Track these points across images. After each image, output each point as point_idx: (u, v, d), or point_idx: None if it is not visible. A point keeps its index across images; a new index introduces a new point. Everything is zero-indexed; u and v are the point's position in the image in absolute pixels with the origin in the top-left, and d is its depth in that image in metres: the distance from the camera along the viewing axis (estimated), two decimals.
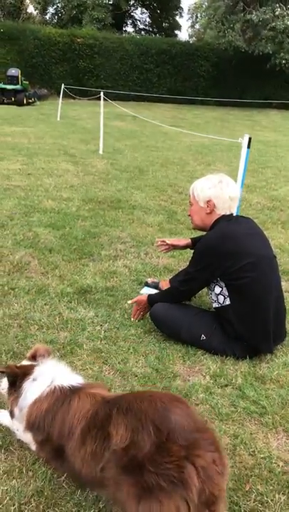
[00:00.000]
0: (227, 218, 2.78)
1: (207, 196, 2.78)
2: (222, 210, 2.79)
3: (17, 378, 1.90)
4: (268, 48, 23.06)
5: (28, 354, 2.05)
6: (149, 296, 3.02)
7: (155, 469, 1.28)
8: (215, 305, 2.78)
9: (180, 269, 3.56)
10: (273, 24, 22.06)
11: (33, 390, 1.82)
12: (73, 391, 1.75)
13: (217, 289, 2.72)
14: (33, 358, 2.00)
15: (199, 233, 3.47)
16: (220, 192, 2.76)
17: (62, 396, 1.74)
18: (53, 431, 1.70)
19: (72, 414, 1.66)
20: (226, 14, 24.70)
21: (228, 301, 2.68)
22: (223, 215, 2.79)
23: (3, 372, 1.93)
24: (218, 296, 2.72)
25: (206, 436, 1.36)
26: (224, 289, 2.68)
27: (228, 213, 2.80)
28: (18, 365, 1.99)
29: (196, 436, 1.33)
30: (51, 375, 1.85)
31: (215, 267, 2.67)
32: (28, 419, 1.80)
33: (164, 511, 1.26)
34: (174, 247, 3.41)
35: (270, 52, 23.15)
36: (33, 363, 1.96)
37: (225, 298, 2.69)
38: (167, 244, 3.39)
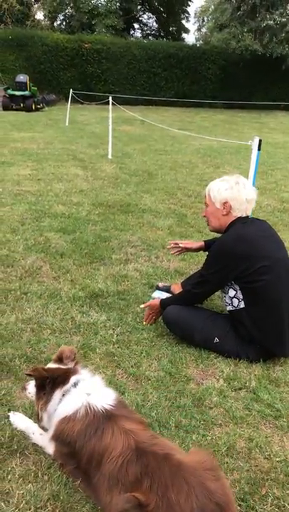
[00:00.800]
0: (242, 220, 2.77)
1: (224, 198, 2.76)
2: (238, 212, 2.77)
3: (45, 382, 1.90)
4: (286, 49, 23.18)
5: (54, 356, 2.06)
6: (162, 300, 3.01)
7: None
8: (229, 308, 2.77)
9: (191, 273, 3.57)
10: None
11: (65, 403, 1.84)
12: (107, 418, 1.76)
13: (231, 292, 2.71)
14: (60, 360, 2.00)
15: (211, 236, 3.47)
16: (237, 194, 2.74)
17: (96, 422, 1.75)
18: (82, 455, 1.73)
19: (103, 448, 1.68)
20: (243, 18, 24.70)
21: (242, 305, 2.67)
22: (239, 217, 2.77)
23: (30, 375, 1.94)
24: (232, 299, 2.71)
25: None
26: (239, 292, 2.67)
27: (244, 215, 2.79)
28: (46, 367, 2.00)
29: None
30: (85, 390, 1.86)
31: (229, 270, 2.66)
32: (57, 434, 1.82)
33: None
34: (187, 249, 3.41)
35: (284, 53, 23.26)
36: (62, 367, 1.97)
37: (239, 301, 2.68)
38: (180, 246, 3.39)
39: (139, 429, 1.75)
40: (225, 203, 2.76)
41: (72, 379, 1.92)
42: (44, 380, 1.91)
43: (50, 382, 1.92)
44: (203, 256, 4.15)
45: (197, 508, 1.46)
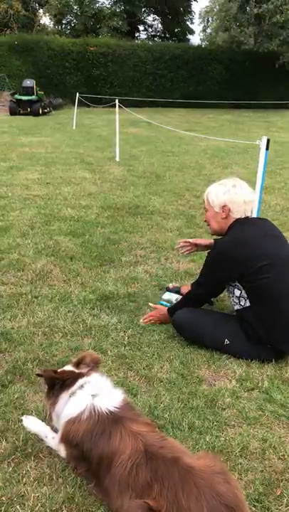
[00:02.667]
0: (242, 222, 2.78)
1: (222, 201, 2.79)
2: (237, 214, 2.80)
3: (55, 383, 1.92)
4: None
5: (74, 359, 2.08)
6: (169, 308, 3.04)
7: None
8: (237, 307, 2.77)
9: None
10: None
11: (71, 405, 1.85)
12: (114, 420, 1.77)
13: (237, 292, 2.72)
14: (77, 365, 2.02)
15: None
16: (234, 196, 2.77)
17: (102, 424, 1.76)
18: (91, 458, 1.74)
19: (112, 451, 1.69)
20: (238, 13, 24.76)
21: (248, 303, 2.68)
22: (238, 219, 2.79)
23: (39, 375, 1.96)
24: (239, 298, 2.72)
25: None
26: (243, 291, 2.68)
27: (243, 217, 2.80)
28: (59, 370, 2.02)
29: None
30: (91, 391, 1.87)
31: (227, 273, 2.71)
32: (64, 435, 1.84)
33: None
34: (197, 245, 3.41)
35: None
36: (75, 370, 1.98)
37: (245, 300, 2.69)
38: (190, 243, 3.40)
39: (148, 431, 1.76)
40: (224, 207, 2.79)
41: (80, 381, 1.94)
42: (53, 380, 1.94)
43: (59, 384, 1.94)
44: None
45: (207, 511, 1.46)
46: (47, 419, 2.10)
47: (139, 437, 1.69)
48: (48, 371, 1.97)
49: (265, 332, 2.65)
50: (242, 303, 2.71)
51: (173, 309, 2.98)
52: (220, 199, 2.79)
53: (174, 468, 1.58)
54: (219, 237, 3.33)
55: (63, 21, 32.99)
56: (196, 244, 3.40)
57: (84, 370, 2.01)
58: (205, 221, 3.03)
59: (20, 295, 3.43)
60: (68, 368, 2.04)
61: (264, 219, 3.01)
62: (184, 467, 1.58)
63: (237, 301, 2.74)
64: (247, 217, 2.82)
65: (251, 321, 2.67)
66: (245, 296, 2.68)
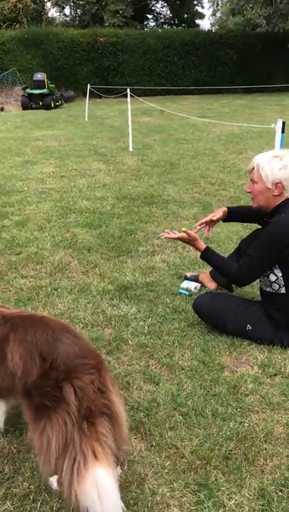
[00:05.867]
0: None
1: (277, 178, 2.55)
2: None
3: None
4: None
5: None
6: (208, 248, 2.80)
7: (38, 392, 1.54)
8: (267, 289, 2.70)
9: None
10: None
11: None
12: None
13: (272, 277, 2.64)
14: None
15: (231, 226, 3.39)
16: None
17: None
18: None
19: None
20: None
21: (283, 290, 2.62)
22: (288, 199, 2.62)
23: None
24: (272, 283, 2.66)
25: (88, 361, 1.58)
26: (280, 278, 2.60)
27: None
28: None
29: (78, 361, 1.56)
30: None
31: (281, 253, 2.54)
32: None
33: (55, 424, 1.48)
34: (213, 222, 3.11)
35: None
36: None
37: (280, 286, 2.62)
38: (207, 222, 3.11)
39: (10, 309, 1.94)
40: (278, 183, 2.56)
41: None
42: None
43: None
44: (230, 244, 4.13)
45: (52, 339, 1.62)
46: None
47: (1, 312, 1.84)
48: None
49: None
50: (275, 287, 2.65)
51: (208, 253, 2.78)
52: (275, 175, 2.55)
53: (28, 319, 1.76)
54: (233, 206, 3.22)
55: (65, 12, 32.71)
56: (212, 221, 3.11)
57: None
58: (248, 192, 2.76)
59: (40, 288, 3.46)
60: None
61: None
62: (38, 317, 1.78)
63: (268, 284, 2.68)
64: None
65: (284, 307, 2.64)
66: (282, 283, 2.61)
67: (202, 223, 3.12)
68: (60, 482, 1.71)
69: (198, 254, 2.87)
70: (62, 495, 1.52)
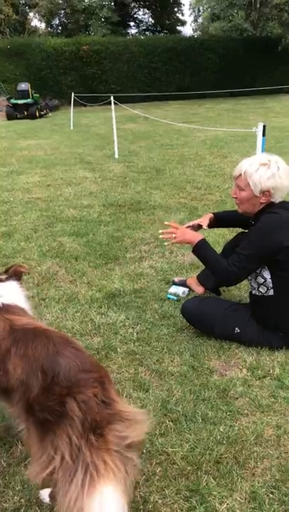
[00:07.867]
0: (279, 205, 2.60)
1: (266, 187, 2.52)
2: (277, 199, 2.60)
3: None
4: (276, 28, 22.87)
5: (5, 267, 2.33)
6: (203, 240, 2.74)
7: (40, 407, 1.51)
8: (255, 292, 2.71)
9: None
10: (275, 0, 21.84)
11: None
12: None
13: (260, 279, 2.64)
14: (5, 271, 2.27)
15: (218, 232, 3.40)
16: (279, 182, 2.51)
17: None
18: None
19: None
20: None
21: (271, 292, 2.62)
22: (273, 203, 2.60)
23: None
24: (260, 285, 2.66)
25: (90, 375, 1.55)
26: (268, 280, 2.60)
27: (279, 201, 2.61)
28: None
29: (80, 376, 1.54)
30: None
31: (279, 241, 2.51)
32: None
33: (59, 439, 1.46)
34: (200, 226, 3.08)
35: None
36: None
37: (268, 289, 2.63)
38: (192, 227, 3.06)
39: (20, 318, 1.88)
40: (266, 192, 2.54)
41: None
42: None
43: None
44: (217, 248, 4.14)
45: (53, 353, 1.59)
46: None
47: (8, 321, 1.79)
48: None
49: (284, 322, 2.64)
50: (262, 290, 2.66)
51: (201, 247, 2.72)
52: (264, 184, 2.51)
53: (30, 332, 1.72)
54: (220, 212, 3.23)
55: (54, 22, 32.93)
56: (199, 225, 3.08)
57: (3, 277, 2.22)
58: (234, 198, 2.71)
59: (27, 298, 3.43)
60: None
61: None
62: (41, 330, 1.73)
63: (256, 287, 2.69)
64: (284, 201, 2.63)
65: (271, 310, 2.65)
66: (270, 285, 2.61)
67: (189, 226, 3.07)
68: (53, 496, 1.70)
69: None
70: (57, 508, 1.48)
